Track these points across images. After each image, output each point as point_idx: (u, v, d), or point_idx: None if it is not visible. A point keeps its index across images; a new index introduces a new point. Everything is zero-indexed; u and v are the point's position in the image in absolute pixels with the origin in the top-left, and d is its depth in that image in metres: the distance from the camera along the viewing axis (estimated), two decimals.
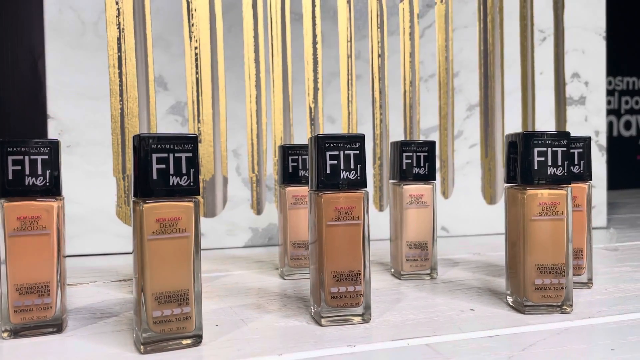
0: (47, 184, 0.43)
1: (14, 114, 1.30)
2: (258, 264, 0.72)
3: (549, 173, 0.47)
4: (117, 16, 0.81)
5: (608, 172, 1.04)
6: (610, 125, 1.97)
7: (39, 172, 0.43)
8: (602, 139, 1.01)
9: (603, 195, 1.02)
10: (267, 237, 0.87)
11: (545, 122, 0.99)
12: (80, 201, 0.80)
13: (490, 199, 0.96)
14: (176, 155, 0.40)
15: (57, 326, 0.44)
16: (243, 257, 0.78)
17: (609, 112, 1.97)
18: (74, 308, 0.51)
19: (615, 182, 1.62)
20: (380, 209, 0.92)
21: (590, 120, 1.01)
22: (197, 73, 0.84)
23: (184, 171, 0.40)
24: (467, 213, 0.95)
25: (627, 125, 2.00)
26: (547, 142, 0.47)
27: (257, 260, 0.75)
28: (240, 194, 0.86)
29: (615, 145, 1.94)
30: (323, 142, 0.45)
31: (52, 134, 0.79)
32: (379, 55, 0.92)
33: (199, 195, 0.41)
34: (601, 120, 1.01)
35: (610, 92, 1.97)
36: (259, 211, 0.87)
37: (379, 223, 0.90)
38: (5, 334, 0.42)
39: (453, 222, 0.95)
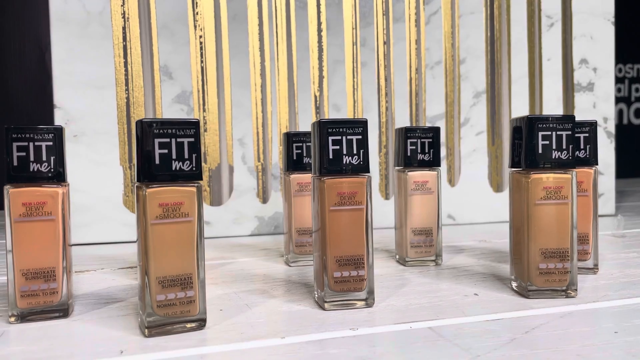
0: (52, 170, 0.44)
1: (21, 105, 1.30)
2: (264, 252, 0.72)
3: (553, 157, 0.47)
4: (121, 5, 0.81)
5: (617, 160, 1.03)
6: (620, 113, 1.95)
7: (44, 158, 0.44)
8: (611, 126, 1.00)
9: (611, 183, 1.01)
10: (273, 225, 0.87)
11: (553, 109, 0.98)
12: (87, 190, 0.80)
13: (497, 186, 0.96)
14: (178, 140, 0.40)
15: (63, 311, 0.44)
16: (249, 245, 0.79)
17: (619, 99, 1.95)
18: (80, 294, 0.52)
19: (624, 170, 1.61)
20: (386, 197, 0.92)
21: (598, 106, 1.00)
22: (202, 62, 0.84)
23: (186, 156, 0.40)
24: (474, 201, 0.95)
25: (638, 113, 1.98)
26: (551, 125, 0.47)
27: (263, 248, 0.75)
28: (246, 182, 0.86)
29: (626, 133, 1.92)
30: (326, 127, 0.45)
31: (58, 124, 0.80)
32: (385, 43, 0.91)
33: (202, 180, 0.41)
34: (610, 106, 1.00)
35: (620, 80, 1.95)
36: (264, 200, 0.87)
37: (384, 211, 0.90)
38: (12, 319, 0.43)
39: (459, 210, 0.95)
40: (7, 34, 1.30)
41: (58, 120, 0.79)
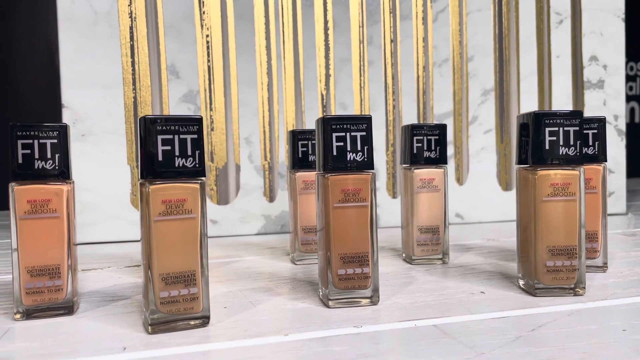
0: (57, 167, 0.44)
1: (30, 105, 1.31)
2: (270, 250, 0.72)
3: (560, 153, 0.46)
4: (129, 5, 0.81)
5: (628, 159, 1.02)
6: (631, 112, 1.93)
7: (49, 155, 0.44)
8: (622, 124, 0.99)
9: (622, 181, 1.00)
10: (280, 224, 0.87)
11: (562, 107, 0.97)
12: (94, 189, 0.81)
13: (506, 185, 0.95)
14: (181, 136, 0.40)
15: (68, 308, 0.44)
16: (256, 243, 0.79)
17: (631, 98, 1.93)
18: (86, 292, 0.52)
19: (636, 170, 1.59)
20: (393, 195, 0.91)
21: (609, 104, 0.99)
22: (208, 61, 0.84)
23: (189, 153, 0.40)
24: (482, 199, 0.94)
25: None
26: (558, 121, 0.46)
27: (270, 247, 0.75)
28: (252, 181, 0.86)
29: (637, 132, 1.89)
30: (329, 124, 0.45)
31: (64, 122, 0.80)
32: (392, 41, 0.91)
33: (205, 176, 0.41)
34: (620, 104, 0.99)
35: (631, 78, 1.92)
36: (271, 198, 0.87)
37: (391, 210, 0.90)
38: (18, 316, 0.43)
39: (467, 209, 0.94)
40: (17, 35, 1.31)
41: (66, 120, 0.80)
